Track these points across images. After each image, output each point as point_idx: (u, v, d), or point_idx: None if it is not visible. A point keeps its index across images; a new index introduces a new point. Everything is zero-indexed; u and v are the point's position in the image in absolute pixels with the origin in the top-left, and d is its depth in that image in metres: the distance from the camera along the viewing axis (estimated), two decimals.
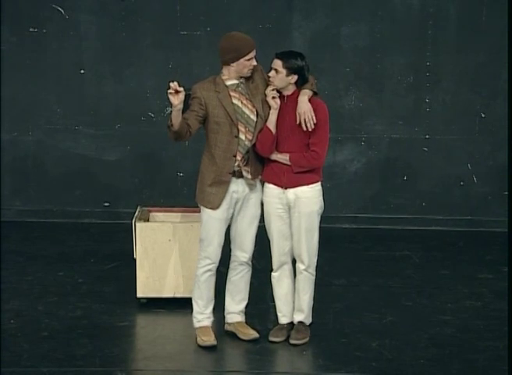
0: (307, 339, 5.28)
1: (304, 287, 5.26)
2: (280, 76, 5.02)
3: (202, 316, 5.24)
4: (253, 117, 5.03)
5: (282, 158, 5.11)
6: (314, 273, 5.28)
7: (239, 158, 5.02)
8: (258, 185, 5.17)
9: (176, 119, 4.84)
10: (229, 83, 5.01)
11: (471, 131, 7.78)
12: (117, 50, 7.75)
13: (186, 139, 5.00)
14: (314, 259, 5.25)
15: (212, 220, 5.08)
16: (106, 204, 7.88)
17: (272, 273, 5.32)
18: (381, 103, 7.78)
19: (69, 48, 7.73)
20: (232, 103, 4.98)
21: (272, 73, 5.03)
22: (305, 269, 5.23)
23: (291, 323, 5.34)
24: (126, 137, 7.80)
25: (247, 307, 5.38)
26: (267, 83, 5.04)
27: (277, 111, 5.07)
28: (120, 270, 6.44)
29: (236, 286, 5.30)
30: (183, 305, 5.48)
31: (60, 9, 7.70)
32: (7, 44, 7.72)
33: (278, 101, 5.06)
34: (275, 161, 5.13)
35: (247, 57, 4.96)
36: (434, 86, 7.74)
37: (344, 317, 5.70)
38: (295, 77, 5.04)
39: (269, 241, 5.27)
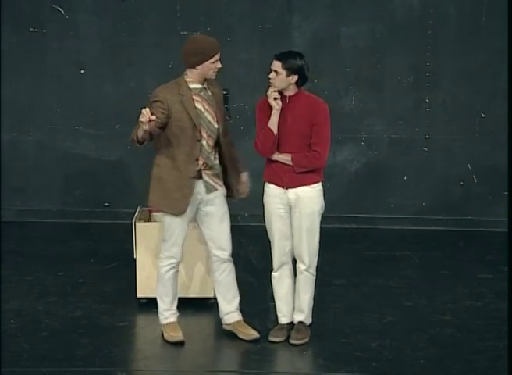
0: (307, 339, 5.28)
1: (305, 287, 5.26)
2: (280, 78, 5.02)
3: (169, 312, 5.26)
4: (214, 124, 5.06)
5: (284, 158, 5.11)
6: (315, 273, 5.28)
7: (201, 162, 5.03)
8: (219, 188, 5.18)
9: (142, 136, 4.86)
10: (192, 86, 5.01)
11: (471, 131, 7.78)
12: (117, 50, 7.74)
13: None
14: (315, 259, 5.25)
15: (176, 223, 5.09)
16: (106, 204, 7.88)
17: (273, 273, 5.32)
18: (381, 103, 7.78)
19: (69, 48, 7.73)
20: (195, 107, 4.98)
21: (272, 75, 5.04)
22: (306, 270, 5.23)
23: (291, 323, 5.34)
24: (126, 137, 7.72)
25: (240, 304, 5.37)
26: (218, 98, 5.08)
27: (279, 111, 5.07)
28: (120, 270, 6.44)
29: (225, 285, 5.30)
30: (183, 305, 5.47)
31: (60, 9, 7.70)
32: (7, 44, 7.72)
33: (279, 102, 5.06)
34: (276, 161, 5.13)
35: (213, 60, 4.99)
36: (434, 86, 7.74)
37: (344, 317, 5.70)
38: (295, 77, 5.04)
39: (270, 241, 5.28)
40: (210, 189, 5.12)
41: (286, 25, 7.68)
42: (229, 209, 7.89)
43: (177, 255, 5.18)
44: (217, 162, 5.13)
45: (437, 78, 7.73)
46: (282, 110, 5.08)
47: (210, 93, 5.08)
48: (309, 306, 5.31)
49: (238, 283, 6.20)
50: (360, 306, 5.90)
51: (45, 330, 5.40)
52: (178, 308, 5.31)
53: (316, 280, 5.30)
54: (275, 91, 5.05)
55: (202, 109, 5.02)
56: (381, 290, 6.24)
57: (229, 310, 5.32)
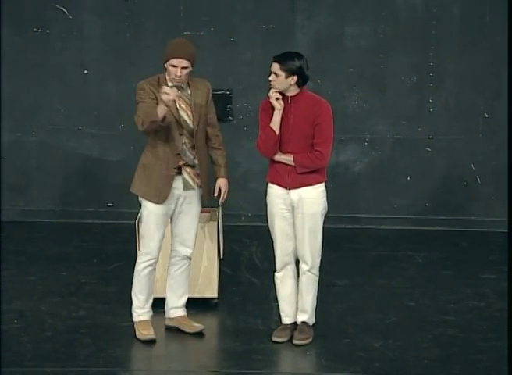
0: (310, 339, 5.28)
1: (308, 288, 5.25)
2: (280, 79, 5.03)
3: (142, 310, 5.28)
4: (190, 124, 5.11)
5: (286, 158, 5.11)
6: (318, 273, 5.27)
7: (183, 155, 5.09)
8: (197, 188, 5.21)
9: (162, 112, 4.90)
10: (170, 84, 5.08)
11: (474, 131, 7.77)
12: (120, 50, 7.74)
13: None
14: (318, 260, 5.25)
15: (153, 216, 5.16)
16: (109, 204, 7.88)
17: (276, 274, 5.32)
18: (384, 103, 7.77)
19: (73, 49, 7.73)
20: (175, 102, 5.03)
21: (272, 77, 5.05)
22: (308, 270, 5.23)
23: (294, 324, 5.34)
24: (129, 138, 7.79)
25: (188, 301, 5.39)
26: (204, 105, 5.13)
27: (281, 112, 5.07)
28: (123, 270, 6.43)
29: (177, 281, 5.34)
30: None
31: (64, 10, 7.71)
32: (10, 45, 7.72)
33: (281, 102, 5.06)
34: (279, 162, 5.13)
35: (170, 62, 5.03)
36: (437, 86, 7.73)
37: (347, 317, 5.70)
38: (295, 78, 5.04)
39: (273, 242, 5.27)
40: (187, 186, 5.16)
41: (290, 25, 7.68)
42: (232, 209, 7.91)
43: (153, 252, 5.20)
44: (197, 161, 5.15)
45: (440, 78, 7.72)
46: (285, 110, 5.07)
47: (189, 92, 5.11)
48: (312, 306, 5.31)
49: (241, 283, 6.22)
50: (363, 306, 5.90)
51: (48, 330, 5.41)
52: (153, 306, 5.30)
53: (319, 280, 5.29)
54: (276, 92, 5.05)
55: (178, 107, 5.08)
56: (384, 290, 6.24)
57: (176, 305, 5.36)
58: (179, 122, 5.07)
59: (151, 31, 7.68)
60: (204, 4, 7.67)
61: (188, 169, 5.15)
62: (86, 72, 7.78)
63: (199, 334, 5.33)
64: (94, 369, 4.90)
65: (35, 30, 7.71)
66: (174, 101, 5.00)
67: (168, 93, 4.86)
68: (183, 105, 5.09)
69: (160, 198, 5.12)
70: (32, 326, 5.47)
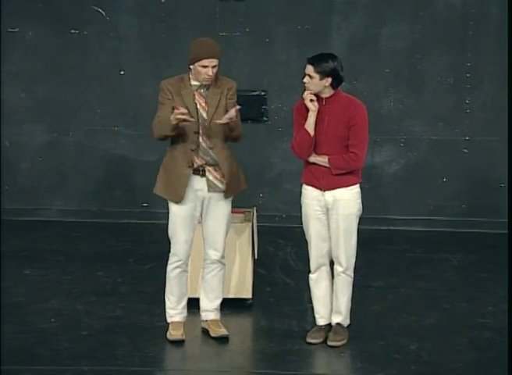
0: (345, 341, 5.27)
1: (342, 289, 5.24)
2: (314, 81, 5.02)
3: (174, 311, 5.29)
4: (207, 122, 5.10)
5: (321, 160, 5.10)
6: (352, 275, 5.26)
7: (199, 157, 5.08)
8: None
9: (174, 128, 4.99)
10: (193, 83, 5.11)
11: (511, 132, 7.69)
12: (157, 51, 7.79)
13: None
14: (353, 261, 5.23)
15: (176, 218, 5.16)
16: (145, 204, 7.93)
17: (310, 275, 5.32)
18: (420, 104, 7.73)
19: (110, 49, 7.80)
20: (194, 102, 5.08)
21: (306, 79, 5.04)
22: (343, 271, 5.22)
23: (329, 325, 5.33)
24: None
25: (222, 302, 5.38)
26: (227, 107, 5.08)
27: (315, 113, 5.06)
28: (159, 270, 6.44)
29: (209, 284, 5.32)
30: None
31: (101, 11, 7.77)
32: (49, 46, 7.81)
33: (316, 103, 5.05)
34: (313, 163, 5.12)
35: (201, 63, 5.02)
36: (474, 87, 7.67)
37: (382, 319, 5.68)
38: (329, 80, 5.03)
39: (307, 243, 5.27)
40: (213, 187, 5.14)
41: (325, 26, 7.66)
42: (267, 210, 7.90)
43: (180, 254, 5.20)
44: (220, 158, 5.11)
45: (478, 79, 7.66)
46: (319, 112, 5.07)
47: (211, 92, 5.11)
48: (347, 308, 5.29)
49: (275, 284, 6.20)
50: (398, 308, 5.87)
51: (85, 329, 5.45)
52: (187, 308, 5.29)
53: (354, 281, 5.28)
54: (311, 93, 5.05)
55: (199, 106, 5.09)
56: (419, 292, 6.20)
57: (208, 308, 5.35)
58: (197, 120, 5.08)
59: (187, 32, 7.71)
60: (239, 5, 7.69)
61: (211, 169, 5.13)
62: (122, 73, 7.83)
63: (235, 335, 5.34)
64: (131, 369, 4.93)
65: (73, 31, 7.79)
66: (193, 100, 5.06)
67: (182, 112, 4.91)
68: (203, 104, 5.11)
69: (177, 197, 5.10)
70: (69, 325, 5.52)
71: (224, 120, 5.01)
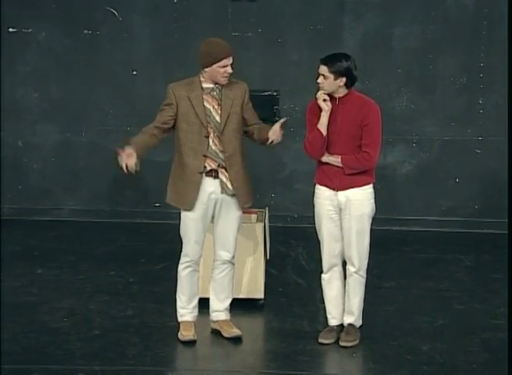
0: (357, 341, 5.26)
1: (355, 290, 5.23)
2: (328, 81, 5.02)
3: (185, 310, 5.29)
4: (222, 125, 5.08)
5: (334, 160, 5.10)
6: (365, 275, 5.25)
7: (210, 159, 5.07)
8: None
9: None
10: (205, 85, 5.09)
11: None
12: (169, 51, 7.80)
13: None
14: (365, 262, 5.22)
15: (188, 219, 5.16)
16: (157, 204, 7.94)
17: (322, 275, 5.31)
18: (433, 104, 7.71)
19: (122, 50, 7.81)
20: (204, 105, 5.05)
21: (320, 79, 5.04)
22: (355, 272, 5.21)
23: (341, 325, 5.32)
24: None
25: (233, 302, 5.38)
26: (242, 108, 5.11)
27: (328, 113, 5.05)
28: (171, 270, 6.45)
29: (220, 284, 5.33)
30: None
31: (113, 11, 7.79)
32: (61, 46, 7.83)
33: (329, 103, 5.05)
34: (326, 163, 5.12)
35: (221, 64, 5.01)
36: (487, 87, 7.65)
37: (394, 320, 5.66)
38: (343, 79, 5.02)
39: (320, 243, 5.26)
40: (225, 189, 5.13)
41: (337, 26, 7.65)
42: (279, 210, 7.89)
43: (191, 254, 5.21)
44: (228, 164, 5.10)
45: (490, 79, 7.63)
46: (333, 111, 5.06)
47: (224, 94, 5.09)
48: (359, 308, 5.28)
49: (287, 284, 6.19)
50: (410, 309, 5.86)
51: (97, 328, 5.46)
52: (197, 307, 5.30)
53: (366, 282, 5.27)
54: (324, 93, 5.04)
55: (211, 109, 5.08)
56: (432, 293, 6.19)
57: (218, 309, 5.35)
58: (204, 124, 5.05)
59: (199, 32, 7.71)
60: (251, 5, 7.69)
61: (224, 170, 5.12)
62: (135, 73, 7.85)
63: (247, 335, 5.34)
64: (142, 369, 4.94)
65: (85, 31, 7.81)
66: (202, 104, 5.03)
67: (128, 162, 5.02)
68: (216, 107, 5.09)
69: (188, 205, 5.11)
70: (81, 324, 5.53)
71: (274, 137, 5.06)
